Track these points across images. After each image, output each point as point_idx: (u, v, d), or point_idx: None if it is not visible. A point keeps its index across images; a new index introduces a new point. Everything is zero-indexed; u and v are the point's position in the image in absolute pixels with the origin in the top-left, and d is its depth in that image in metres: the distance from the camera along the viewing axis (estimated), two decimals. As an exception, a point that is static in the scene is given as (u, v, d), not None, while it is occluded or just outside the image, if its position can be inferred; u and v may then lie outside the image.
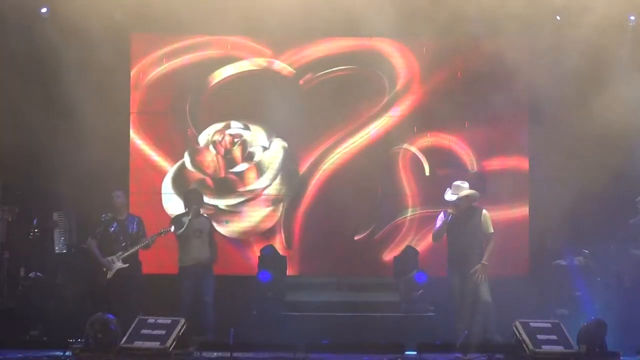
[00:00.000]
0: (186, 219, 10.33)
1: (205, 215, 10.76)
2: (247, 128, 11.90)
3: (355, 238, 11.76)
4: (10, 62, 11.03)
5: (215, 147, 11.88)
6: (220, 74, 11.90)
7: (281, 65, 11.89)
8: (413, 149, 11.82)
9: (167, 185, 11.81)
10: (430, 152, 11.85)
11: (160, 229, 10.43)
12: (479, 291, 9.69)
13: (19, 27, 10.96)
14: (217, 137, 11.88)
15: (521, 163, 11.80)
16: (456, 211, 9.81)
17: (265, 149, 11.90)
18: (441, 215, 9.98)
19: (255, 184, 11.87)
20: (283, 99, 11.57)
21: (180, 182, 11.78)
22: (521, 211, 11.73)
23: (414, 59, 11.88)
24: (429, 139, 11.86)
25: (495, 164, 11.80)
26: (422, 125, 11.84)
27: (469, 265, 9.75)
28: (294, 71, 11.88)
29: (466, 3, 10.80)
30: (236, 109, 11.90)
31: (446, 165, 11.72)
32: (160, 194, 11.76)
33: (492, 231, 9.90)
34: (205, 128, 11.88)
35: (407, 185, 11.84)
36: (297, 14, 10.84)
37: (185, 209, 10.56)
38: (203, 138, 11.88)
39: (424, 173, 11.80)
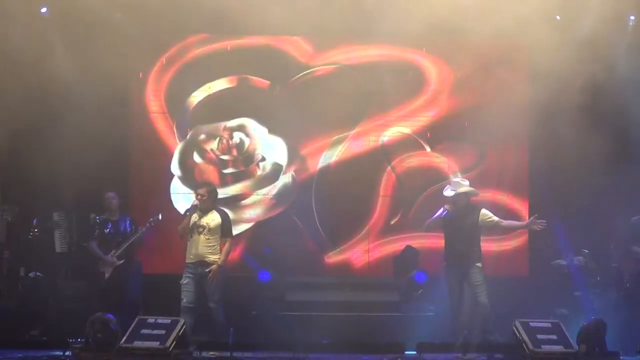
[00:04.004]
0: (189, 213, 10.12)
1: (218, 211, 10.02)
2: (247, 128, 11.90)
3: (355, 238, 11.78)
4: (10, 62, 11.02)
5: (214, 148, 11.88)
6: (221, 74, 11.91)
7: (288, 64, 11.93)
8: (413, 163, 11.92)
9: (172, 186, 11.82)
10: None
11: (147, 221, 10.36)
12: (476, 293, 9.65)
13: (19, 27, 10.95)
14: (217, 137, 11.89)
15: (521, 154, 11.77)
16: (453, 208, 9.76)
17: (265, 149, 11.90)
18: (441, 210, 9.93)
19: (255, 183, 11.88)
20: (283, 100, 11.65)
21: (183, 182, 11.80)
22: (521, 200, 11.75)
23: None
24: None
25: (496, 155, 11.77)
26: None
27: (465, 263, 9.70)
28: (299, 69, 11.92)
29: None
30: (236, 110, 11.89)
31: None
32: (160, 194, 11.74)
33: (497, 218, 9.83)
34: (205, 128, 11.89)
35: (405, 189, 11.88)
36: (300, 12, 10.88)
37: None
38: (203, 138, 11.90)
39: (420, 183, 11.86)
